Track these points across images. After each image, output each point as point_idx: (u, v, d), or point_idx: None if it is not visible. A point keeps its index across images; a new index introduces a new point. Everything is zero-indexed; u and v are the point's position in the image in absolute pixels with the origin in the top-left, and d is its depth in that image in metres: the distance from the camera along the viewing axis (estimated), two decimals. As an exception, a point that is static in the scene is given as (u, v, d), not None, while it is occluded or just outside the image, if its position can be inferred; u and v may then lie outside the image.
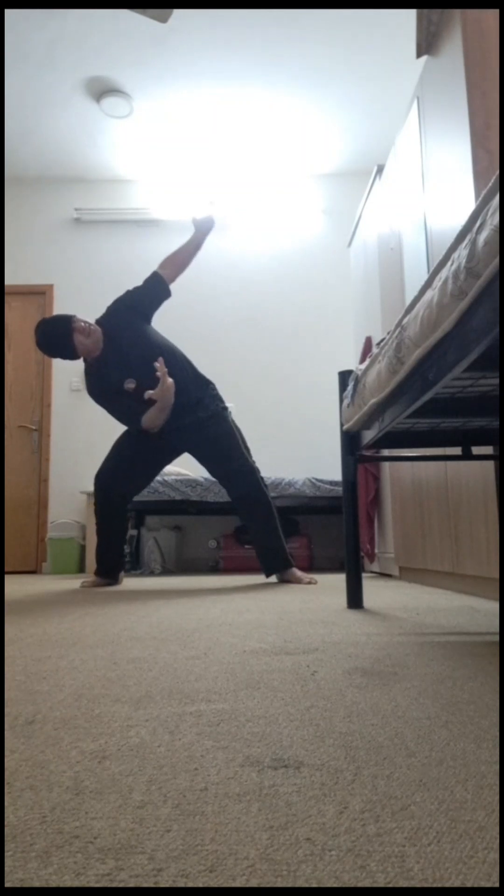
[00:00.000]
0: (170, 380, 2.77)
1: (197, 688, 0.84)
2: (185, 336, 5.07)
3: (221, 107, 4.45)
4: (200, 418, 2.97)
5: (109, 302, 5.08)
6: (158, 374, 2.75)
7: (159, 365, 2.74)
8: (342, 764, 0.55)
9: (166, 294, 3.04)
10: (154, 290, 3.02)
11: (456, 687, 0.82)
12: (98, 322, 2.99)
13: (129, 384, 2.93)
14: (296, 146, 4.93)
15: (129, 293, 3.04)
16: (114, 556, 3.01)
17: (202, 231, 3.07)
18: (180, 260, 3.06)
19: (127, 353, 2.91)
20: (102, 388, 2.95)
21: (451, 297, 0.92)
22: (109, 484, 2.98)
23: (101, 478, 2.99)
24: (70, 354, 2.90)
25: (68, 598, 2.26)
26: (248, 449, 3.04)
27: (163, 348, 2.96)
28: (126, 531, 3.08)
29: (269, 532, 2.91)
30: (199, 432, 2.97)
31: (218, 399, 3.06)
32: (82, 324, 2.87)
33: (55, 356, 2.91)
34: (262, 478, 2.96)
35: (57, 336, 2.86)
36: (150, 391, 2.78)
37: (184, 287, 5.16)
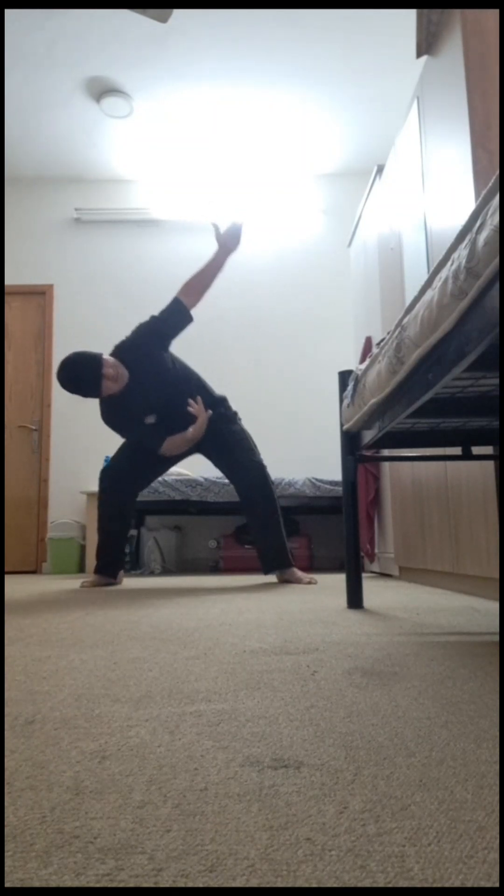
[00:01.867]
0: (204, 416, 2.86)
1: (197, 688, 0.84)
2: (185, 336, 5.07)
3: (221, 107, 4.45)
4: (211, 423, 3.03)
5: (109, 302, 5.16)
6: (192, 409, 2.85)
7: (197, 405, 2.85)
8: (342, 764, 0.55)
9: (188, 321, 2.95)
10: (176, 319, 2.93)
11: (456, 687, 0.82)
12: (120, 351, 2.91)
13: (150, 419, 2.96)
14: (296, 146, 4.93)
15: (151, 324, 2.93)
16: (115, 554, 3.02)
17: (227, 248, 2.91)
18: (202, 285, 2.94)
19: (148, 388, 2.90)
20: (121, 419, 2.95)
21: (451, 297, 0.92)
22: (117, 483, 2.99)
23: (108, 475, 2.99)
24: (94, 396, 2.86)
25: (68, 598, 2.26)
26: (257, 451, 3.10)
27: (181, 380, 2.97)
28: (128, 530, 3.09)
29: (272, 529, 2.92)
30: (209, 431, 3.00)
31: (230, 411, 3.15)
32: (111, 370, 2.79)
33: (77, 395, 2.85)
34: (269, 475, 3.00)
35: (85, 380, 2.77)
36: (191, 427, 2.88)
37: (184, 287, 5.16)
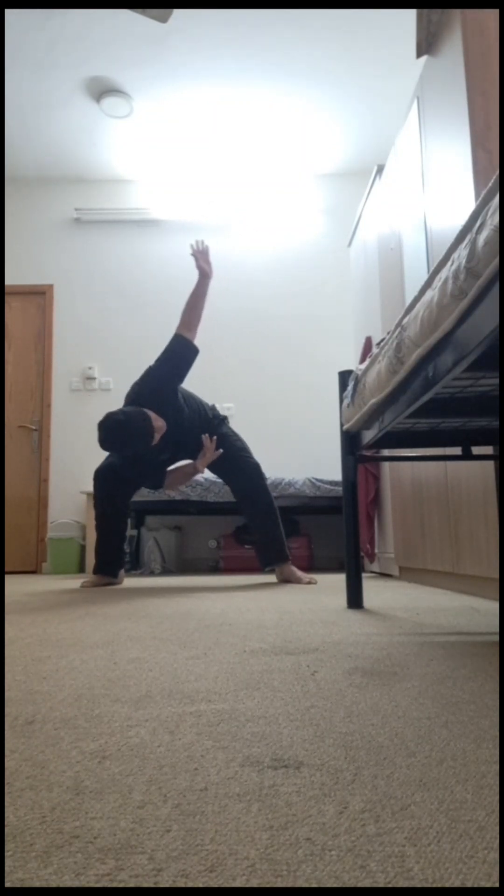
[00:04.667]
0: (212, 455, 2.95)
1: (197, 688, 0.84)
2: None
3: (221, 107, 4.45)
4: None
5: (109, 302, 5.16)
6: (205, 442, 2.95)
7: (210, 443, 2.95)
8: (342, 764, 0.55)
9: (196, 353, 2.95)
10: (186, 357, 2.91)
11: (456, 687, 0.82)
12: (141, 399, 2.83)
13: (164, 456, 3.00)
14: (296, 146, 4.93)
15: (165, 370, 2.87)
16: (114, 553, 3.02)
17: (207, 276, 3.00)
18: (197, 317, 2.97)
19: (168, 435, 2.90)
20: (136, 457, 2.95)
21: (451, 297, 0.92)
22: (112, 482, 3.00)
23: (103, 474, 3.00)
24: (143, 451, 2.82)
25: (68, 598, 2.26)
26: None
27: (194, 416, 2.99)
28: (126, 528, 3.10)
29: (270, 523, 2.95)
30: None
31: (220, 416, 3.21)
32: (159, 423, 2.76)
33: (121, 453, 2.75)
34: (263, 473, 3.05)
35: (139, 440, 2.67)
36: (199, 461, 2.98)
37: (185, 288, 5.16)
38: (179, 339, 2.91)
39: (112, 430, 2.64)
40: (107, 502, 3.00)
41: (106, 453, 4.99)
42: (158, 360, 2.90)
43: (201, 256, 3.04)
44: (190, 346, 2.92)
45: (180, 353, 2.89)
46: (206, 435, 2.97)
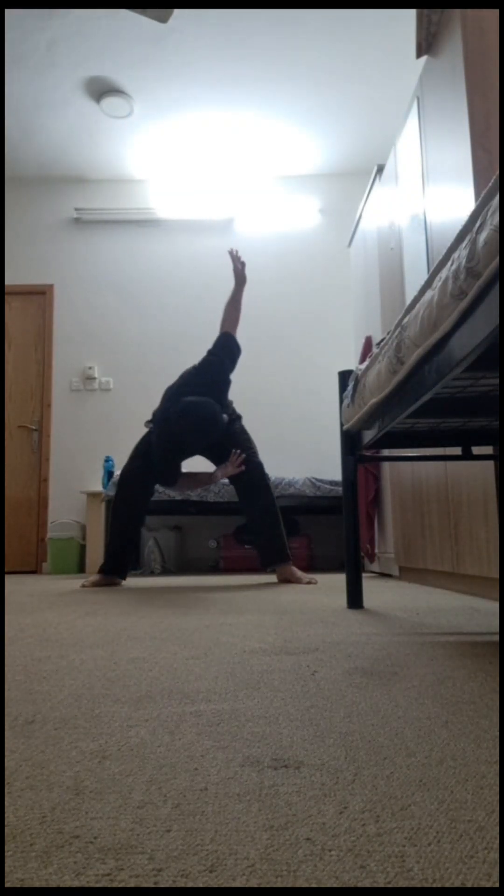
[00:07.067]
0: (234, 470, 2.96)
1: (197, 688, 0.84)
2: (185, 337, 5.07)
3: (222, 106, 4.45)
4: None
5: (109, 302, 5.16)
6: (233, 457, 2.96)
7: (238, 459, 2.94)
8: (342, 764, 0.55)
9: (240, 353, 3.14)
10: (236, 354, 3.07)
11: (456, 687, 0.82)
12: (198, 387, 2.91)
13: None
14: (295, 146, 4.93)
15: (227, 363, 3.00)
16: (125, 557, 3.03)
17: (243, 281, 3.16)
18: (238, 317, 3.15)
19: None
20: (173, 454, 2.98)
21: (451, 297, 0.92)
22: (137, 487, 3.00)
23: (130, 479, 3.00)
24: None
25: (68, 598, 2.26)
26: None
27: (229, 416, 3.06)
28: (140, 534, 3.13)
29: (271, 523, 2.95)
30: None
31: (235, 413, 3.23)
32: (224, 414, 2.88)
33: (203, 442, 2.80)
34: (266, 474, 3.07)
35: (221, 427, 2.80)
36: (218, 471, 2.98)
37: (185, 288, 5.17)
38: (233, 338, 3.07)
39: (207, 415, 2.69)
40: (128, 507, 3.01)
41: (111, 455, 4.99)
42: (215, 354, 3.00)
43: (239, 264, 3.17)
44: (238, 345, 3.08)
45: (237, 349, 3.06)
46: (237, 451, 2.99)
